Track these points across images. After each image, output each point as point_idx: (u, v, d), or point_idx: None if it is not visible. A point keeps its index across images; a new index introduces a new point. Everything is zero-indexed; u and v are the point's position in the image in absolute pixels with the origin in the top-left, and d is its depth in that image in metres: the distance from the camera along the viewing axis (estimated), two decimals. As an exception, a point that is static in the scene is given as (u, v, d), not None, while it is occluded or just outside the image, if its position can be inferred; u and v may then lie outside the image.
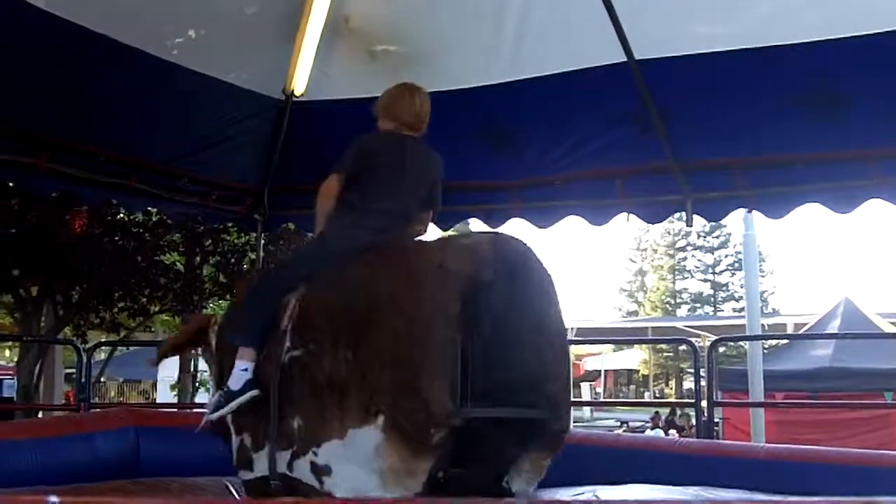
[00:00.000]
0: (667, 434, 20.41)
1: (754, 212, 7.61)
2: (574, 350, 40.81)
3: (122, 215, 16.14)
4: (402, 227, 4.77)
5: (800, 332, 22.23)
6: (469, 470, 4.16)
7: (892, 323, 20.24)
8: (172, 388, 20.71)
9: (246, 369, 4.45)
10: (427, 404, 3.93)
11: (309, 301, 4.44)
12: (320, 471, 4.19)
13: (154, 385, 32.85)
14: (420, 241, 4.82)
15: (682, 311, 56.46)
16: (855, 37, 6.11)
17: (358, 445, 4.06)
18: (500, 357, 4.12)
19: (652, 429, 24.49)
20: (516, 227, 7.95)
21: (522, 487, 4.38)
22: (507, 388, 4.16)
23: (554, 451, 4.46)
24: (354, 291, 4.31)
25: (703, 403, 7.80)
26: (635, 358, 52.43)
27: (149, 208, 10.67)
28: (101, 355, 24.06)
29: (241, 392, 4.43)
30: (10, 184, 10.13)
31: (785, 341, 20.99)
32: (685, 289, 58.71)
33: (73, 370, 16.63)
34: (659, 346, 50.59)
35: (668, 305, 57.49)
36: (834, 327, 18.47)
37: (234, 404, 4.45)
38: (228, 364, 4.61)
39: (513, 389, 4.18)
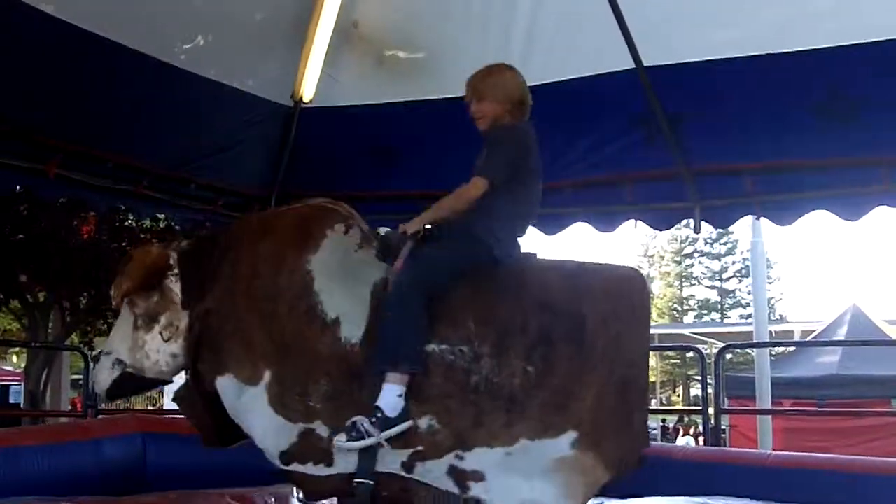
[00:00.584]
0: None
1: (762, 218, 7.60)
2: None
3: (129, 221, 16.17)
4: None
5: (807, 339, 22.24)
6: None
7: (900, 330, 20.21)
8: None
9: (402, 395, 4.00)
10: (636, 438, 4.11)
11: (459, 303, 4.21)
12: (466, 476, 4.00)
13: (161, 391, 32.86)
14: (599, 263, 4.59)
15: (689, 317, 56.48)
16: (865, 44, 6.10)
17: (531, 456, 4.02)
18: None
19: (683, 435, 24.48)
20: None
21: None
22: None
23: None
24: (531, 294, 4.23)
25: (711, 411, 7.78)
26: (642, 365, 52.30)
27: (156, 214, 10.66)
28: (108, 361, 24.05)
29: (400, 420, 3.99)
30: (19, 189, 10.12)
31: (792, 348, 20.99)
32: (692, 295, 58.78)
33: (81, 376, 16.65)
34: (666, 353, 50.55)
35: (675, 312, 57.51)
36: (841, 334, 18.48)
37: (391, 432, 3.97)
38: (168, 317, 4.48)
39: None
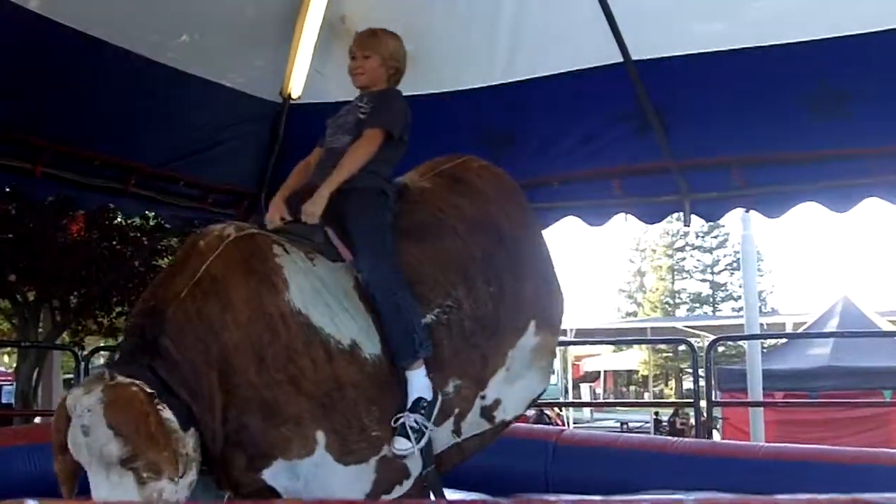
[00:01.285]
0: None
1: (752, 211, 7.60)
2: (573, 351, 40.85)
3: (119, 220, 16.14)
4: None
5: (798, 331, 22.26)
6: None
7: (891, 321, 20.31)
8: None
9: (426, 374, 4.02)
10: (561, 295, 4.78)
11: (418, 261, 4.25)
12: (492, 409, 4.34)
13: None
14: None
15: (682, 311, 56.53)
16: (853, 35, 6.10)
17: (518, 359, 4.45)
18: None
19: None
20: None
21: None
22: None
23: None
24: (469, 235, 4.42)
25: (703, 403, 7.79)
26: (635, 358, 52.50)
27: (146, 212, 10.64)
28: (100, 360, 24.04)
29: (435, 398, 4.02)
30: (7, 189, 10.10)
31: (784, 340, 21.02)
32: (684, 289, 58.78)
33: (72, 375, 16.62)
34: (658, 346, 50.61)
35: (667, 306, 57.55)
36: (832, 326, 18.51)
37: (435, 413, 4.00)
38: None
39: None
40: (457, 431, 4.20)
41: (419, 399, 3.95)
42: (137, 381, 3.51)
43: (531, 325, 4.50)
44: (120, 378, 3.53)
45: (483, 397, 4.29)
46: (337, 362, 3.87)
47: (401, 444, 3.89)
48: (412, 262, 4.22)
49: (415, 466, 4.00)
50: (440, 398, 4.04)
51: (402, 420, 3.89)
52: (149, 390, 3.49)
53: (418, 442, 3.90)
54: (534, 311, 4.54)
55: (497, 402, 4.37)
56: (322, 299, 3.96)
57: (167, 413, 3.51)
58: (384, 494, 3.94)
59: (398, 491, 3.96)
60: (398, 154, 4.54)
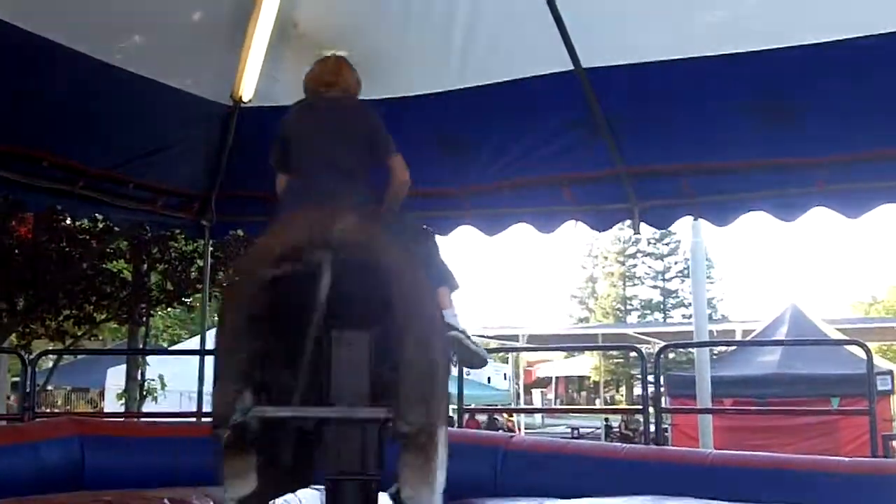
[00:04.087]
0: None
1: (701, 219, 7.66)
2: (525, 357, 40.99)
3: (67, 222, 15.98)
4: (328, 186, 4.38)
5: (748, 338, 22.45)
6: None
7: (839, 329, 20.51)
8: (119, 396, 20.48)
9: None
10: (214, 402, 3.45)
11: None
12: None
13: (102, 394, 32.51)
14: None
15: (633, 317, 56.93)
16: (801, 46, 6.15)
17: None
18: None
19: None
20: (466, 235, 8.00)
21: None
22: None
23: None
24: None
25: (652, 410, 7.83)
26: (586, 364, 52.82)
27: (94, 215, 10.54)
28: (48, 363, 23.79)
29: None
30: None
31: (733, 347, 21.19)
32: (635, 295, 59.22)
33: (19, 379, 16.47)
34: (609, 352, 50.91)
35: (618, 312, 57.92)
36: (781, 334, 18.70)
37: None
38: None
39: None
40: None
41: None
42: None
43: None
44: None
45: None
46: None
47: None
48: None
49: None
50: None
51: None
52: None
53: None
54: None
55: None
56: None
57: None
58: None
59: None
60: (296, 173, 4.61)
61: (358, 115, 4.75)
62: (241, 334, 3.30)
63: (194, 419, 8.68)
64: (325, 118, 4.71)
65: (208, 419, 4.15)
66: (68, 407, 35.06)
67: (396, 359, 3.31)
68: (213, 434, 3.24)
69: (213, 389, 3.36)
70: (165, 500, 5.69)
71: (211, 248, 9.19)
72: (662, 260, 58.00)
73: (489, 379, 36.29)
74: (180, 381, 18.77)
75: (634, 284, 59.28)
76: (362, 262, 3.28)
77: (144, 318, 19.27)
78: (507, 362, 39.80)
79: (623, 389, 55.71)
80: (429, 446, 3.33)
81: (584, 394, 58.23)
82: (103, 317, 18.53)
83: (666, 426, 13.91)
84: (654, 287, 58.49)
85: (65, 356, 25.63)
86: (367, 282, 3.30)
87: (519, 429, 26.75)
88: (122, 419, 13.19)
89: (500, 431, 20.74)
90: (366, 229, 3.48)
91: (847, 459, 6.30)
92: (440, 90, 7.29)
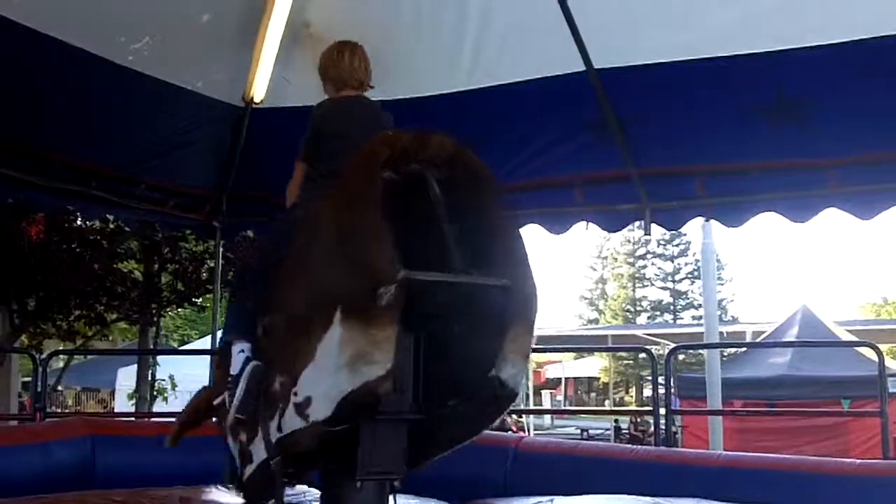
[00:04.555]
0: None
1: (712, 220, 7.65)
2: (535, 358, 40.90)
3: (78, 222, 16.02)
4: None
5: (758, 340, 22.40)
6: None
7: (849, 331, 20.47)
8: (130, 396, 20.55)
9: (242, 350, 4.33)
10: (368, 266, 3.63)
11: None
12: (302, 407, 3.79)
13: (112, 394, 32.57)
14: None
15: (643, 318, 56.83)
16: (813, 47, 6.14)
17: (326, 354, 3.76)
18: None
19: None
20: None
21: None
22: None
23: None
24: (283, 235, 4.42)
25: (662, 411, 7.82)
26: (596, 366, 52.74)
27: (106, 216, 10.57)
28: (59, 363, 23.83)
29: (241, 373, 4.24)
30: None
31: (743, 349, 21.15)
32: (645, 297, 59.13)
33: (30, 379, 16.52)
34: (619, 354, 50.82)
35: (628, 313, 57.85)
36: (792, 335, 18.65)
37: (242, 385, 4.16)
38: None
39: None
40: (279, 428, 3.93)
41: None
42: None
43: (336, 315, 3.71)
44: None
45: (296, 394, 3.87)
46: None
47: None
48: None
49: (259, 454, 4.04)
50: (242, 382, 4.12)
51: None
52: None
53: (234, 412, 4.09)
54: (339, 296, 3.76)
55: (307, 401, 3.86)
56: None
57: None
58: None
59: (248, 471, 4.12)
60: (325, 167, 4.61)
61: (383, 118, 4.91)
62: (380, 214, 3.60)
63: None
64: (361, 116, 4.83)
65: (216, 419, 4.46)
66: (79, 407, 35.11)
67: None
68: (376, 293, 3.46)
69: (366, 251, 3.60)
70: (177, 499, 5.72)
71: (222, 249, 9.18)
72: (672, 261, 57.92)
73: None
74: (190, 381, 18.79)
75: (644, 286, 59.22)
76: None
77: (155, 319, 19.34)
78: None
79: (633, 391, 55.64)
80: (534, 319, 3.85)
81: (593, 395, 58.15)
82: (114, 317, 18.62)
83: (676, 428, 13.91)
84: (664, 288, 58.43)
85: (75, 356, 25.70)
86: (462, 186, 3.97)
87: (528, 430, 26.70)
88: (132, 419, 13.23)
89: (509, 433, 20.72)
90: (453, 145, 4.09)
91: (858, 461, 6.29)
92: (451, 91, 7.28)
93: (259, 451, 4.05)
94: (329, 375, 3.68)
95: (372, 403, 3.52)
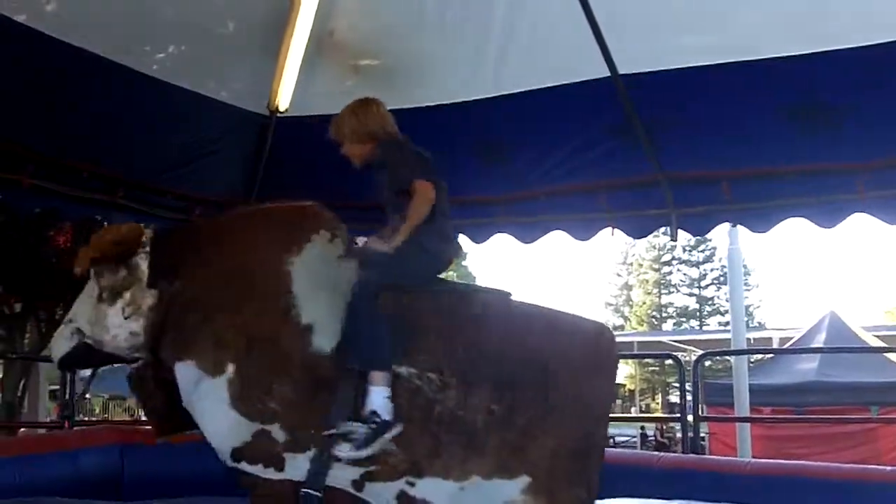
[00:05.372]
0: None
1: (739, 225, 7.61)
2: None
3: (106, 231, 16.07)
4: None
5: (785, 346, 22.26)
6: None
7: (878, 336, 20.31)
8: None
9: (389, 397, 3.98)
10: (590, 490, 4.12)
11: (424, 321, 4.20)
12: (412, 502, 3.98)
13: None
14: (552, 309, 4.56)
15: (668, 325, 56.57)
16: (841, 50, 6.11)
17: (484, 496, 4.00)
18: None
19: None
20: (501, 242, 7.98)
21: None
22: None
23: None
24: (505, 337, 4.21)
25: (689, 418, 7.78)
26: (621, 372, 52.46)
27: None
28: (87, 371, 23.94)
29: (395, 423, 3.96)
30: (-7, 200, 10.04)
31: (771, 355, 21.02)
32: (671, 303, 58.85)
33: (58, 387, 16.60)
34: (645, 360, 50.58)
35: (653, 320, 57.58)
36: (819, 341, 18.50)
37: (388, 436, 3.95)
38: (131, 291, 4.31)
39: None
40: (358, 485, 4.00)
41: (374, 413, 3.94)
42: (148, 230, 4.44)
43: (522, 480, 4.01)
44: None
45: (411, 484, 3.98)
46: (286, 328, 4.08)
47: (341, 448, 3.94)
48: (424, 325, 4.18)
49: (293, 470, 4.00)
50: (401, 426, 3.98)
51: (350, 427, 3.92)
52: (144, 239, 4.34)
53: (358, 450, 3.92)
54: (537, 470, 4.03)
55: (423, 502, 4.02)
56: (316, 283, 4.18)
57: (143, 261, 4.31)
58: (246, 462, 4.02)
59: (261, 470, 4.02)
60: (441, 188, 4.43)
61: None
62: None
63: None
64: None
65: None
66: (106, 415, 35.25)
67: None
68: None
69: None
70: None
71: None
72: (698, 267, 57.63)
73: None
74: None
75: (670, 292, 58.95)
76: None
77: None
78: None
79: (658, 397, 55.41)
80: None
81: (619, 402, 57.99)
82: (141, 325, 18.62)
83: (703, 435, 13.84)
84: (690, 294, 58.15)
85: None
86: None
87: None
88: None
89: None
90: None
91: (889, 468, 6.24)
92: (476, 98, 7.28)
93: (297, 469, 4.02)
94: None
95: None
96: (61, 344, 4.51)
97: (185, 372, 4.10)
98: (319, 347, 4.06)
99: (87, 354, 4.48)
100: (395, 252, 4.14)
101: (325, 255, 4.31)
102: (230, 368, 4.03)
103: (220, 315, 4.14)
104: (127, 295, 4.30)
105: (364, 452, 3.92)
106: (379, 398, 3.96)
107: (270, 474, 4.02)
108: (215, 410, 4.05)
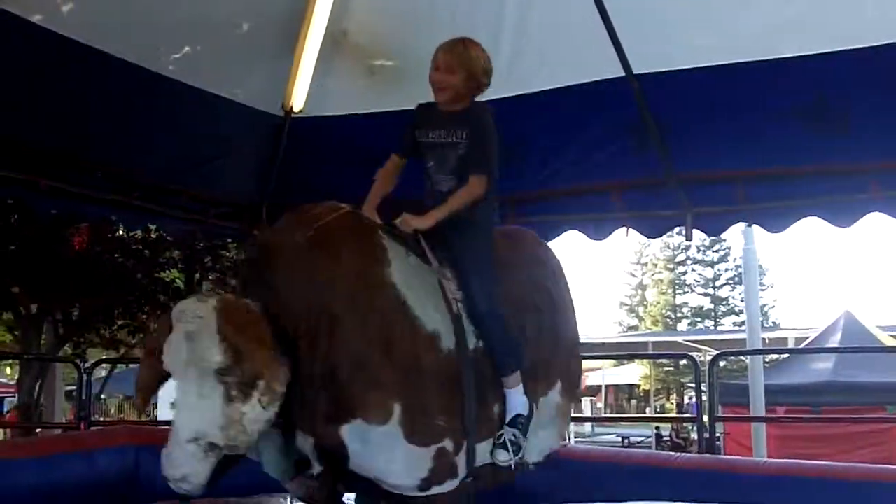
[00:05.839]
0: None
1: (754, 225, 7.59)
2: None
3: (121, 232, 16.16)
4: None
5: (801, 345, 22.23)
6: None
7: (893, 336, 20.23)
8: (173, 405, 20.65)
9: (525, 393, 4.36)
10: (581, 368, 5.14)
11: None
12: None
13: (155, 403, 32.75)
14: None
15: (683, 325, 56.51)
16: (854, 49, 6.09)
17: (545, 410, 4.61)
18: None
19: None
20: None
21: None
22: None
23: None
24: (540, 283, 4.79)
25: (705, 418, 7.77)
26: (636, 373, 52.39)
27: (148, 225, 10.64)
28: (102, 372, 24.00)
29: (530, 417, 4.34)
30: (10, 201, 10.08)
31: (786, 355, 20.98)
32: (685, 303, 58.79)
33: (74, 387, 16.66)
34: (660, 360, 50.49)
35: (668, 320, 57.52)
36: (835, 341, 18.48)
37: (529, 429, 4.32)
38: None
39: None
40: (493, 454, 4.27)
41: (518, 416, 4.27)
42: (246, 300, 3.75)
43: (558, 384, 4.75)
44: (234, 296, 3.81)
45: None
46: (420, 344, 3.98)
47: (501, 456, 4.23)
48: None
49: (461, 469, 4.11)
50: (533, 413, 4.36)
51: (502, 435, 4.23)
52: (253, 309, 3.69)
53: (515, 455, 4.25)
54: (561, 371, 4.80)
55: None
56: (414, 286, 4.09)
57: (267, 334, 3.64)
58: (436, 485, 4.02)
59: (448, 486, 4.06)
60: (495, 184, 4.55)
61: None
62: None
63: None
64: None
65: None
66: (122, 416, 35.37)
67: None
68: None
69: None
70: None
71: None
72: (713, 267, 57.55)
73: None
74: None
75: (685, 292, 58.88)
76: None
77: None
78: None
79: (673, 398, 55.31)
80: None
81: (633, 402, 57.87)
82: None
83: (718, 435, 13.82)
84: (705, 294, 58.06)
85: (119, 365, 25.87)
86: None
87: (569, 438, 26.62)
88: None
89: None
90: None
91: (906, 468, 6.22)
92: (489, 98, 7.26)
93: (461, 466, 4.14)
94: (542, 430, 4.59)
95: None
96: (196, 468, 3.71)
97: (352, 433, 3.80)
98: (447, 349, 4.08)
99: (224, 464, 3.76)
100: (477, 249, 4.38)
101: (401, 255, 4.18)
102: (397, 408, 3.83)
103: (372, 360, 3.83)
104: (261, 384, 3.57)
105: (521, 455, 4.29)
106: (518, 398, 4.30)
107: (452, 485, 4.10)
108: (397, 454, 3.89)
